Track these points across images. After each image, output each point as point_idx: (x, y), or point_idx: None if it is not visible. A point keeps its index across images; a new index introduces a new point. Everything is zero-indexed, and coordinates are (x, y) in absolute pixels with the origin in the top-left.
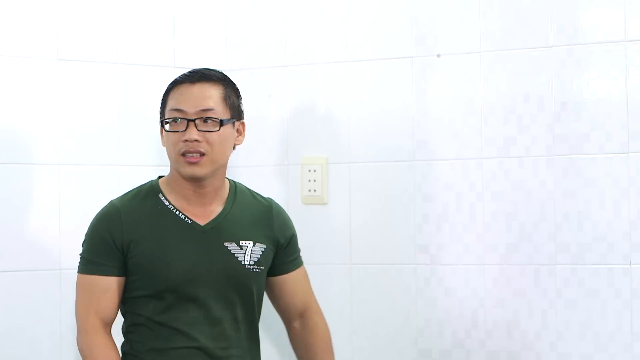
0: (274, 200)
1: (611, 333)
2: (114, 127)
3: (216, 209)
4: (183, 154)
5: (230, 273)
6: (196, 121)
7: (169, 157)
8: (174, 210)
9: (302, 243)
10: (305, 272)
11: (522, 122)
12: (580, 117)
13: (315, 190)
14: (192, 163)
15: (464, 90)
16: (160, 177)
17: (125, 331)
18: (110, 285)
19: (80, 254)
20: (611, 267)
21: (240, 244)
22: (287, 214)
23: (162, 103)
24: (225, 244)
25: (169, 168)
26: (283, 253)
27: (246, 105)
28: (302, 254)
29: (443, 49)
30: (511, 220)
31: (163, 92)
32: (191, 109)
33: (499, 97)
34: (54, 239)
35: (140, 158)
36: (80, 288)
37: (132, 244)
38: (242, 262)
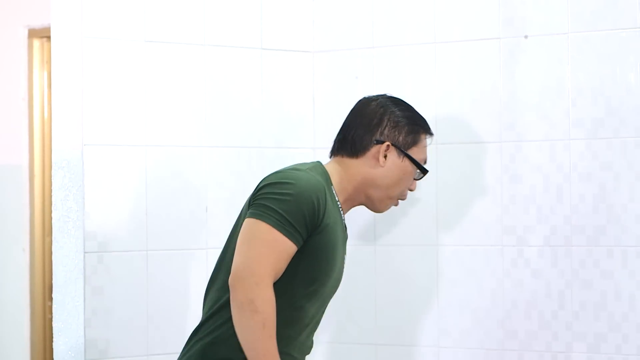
0: None
1: None
2: (202, 108)
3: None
4: (400, 197)
5: (340, 278)
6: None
7: (391, 186)
8: (340, 210)
9: (386, 223)
10: None
11: (611, 104)
12: None
13: None
14: (396, 205)
15: (551, 72)
16: (320, 164)
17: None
18: (291, 253)
19: (273, 205)
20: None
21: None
22: None
23: (414, 137)
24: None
25: (256, 149)
26: None
27: (333, 87)
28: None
29: (531, 30)
30: (599, 202)
31: (416, 123)
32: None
33: (587, 79)
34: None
35: (226, 139)
36: (268, 240)
37: (319, 228)
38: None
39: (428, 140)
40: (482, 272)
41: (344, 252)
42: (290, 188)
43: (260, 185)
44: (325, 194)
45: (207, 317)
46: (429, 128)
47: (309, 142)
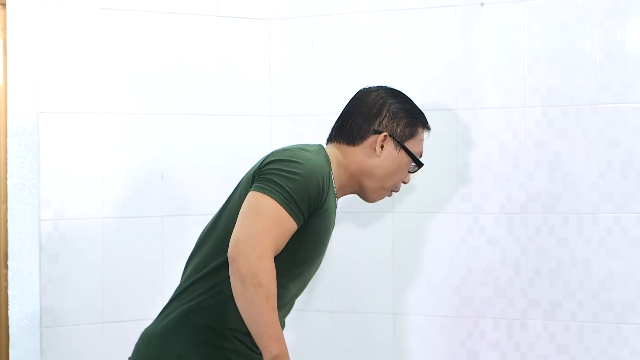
0: None
1: None
2: (158, 76)
3: None
4: (393, 189)
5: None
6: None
7: (386, 176)
8: (335, 196)
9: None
10: None
11: (566, 71)
12: (624, 67)
13: None
14: (388, 196)
15: (507, 39)
16: (322, 147)
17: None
18: (292, 232)
19: (281, 182)
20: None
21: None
22: None
23: (412, 130)
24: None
25: (213, 116)
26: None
27: (289, 54)
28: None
29: None
30: (554, 169)
31: (414, 117)
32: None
33: (543, 46)
34: None
35: (182, 107)
36: (272, 216)
37: (319, 211)
38: None
39: (425, 134)
40: (438, 239)
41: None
42: (299, 167)
43: (268, 160)
44: (330, 178)
45: (192, 282)
46: (427, 122)
47: (265, 110)
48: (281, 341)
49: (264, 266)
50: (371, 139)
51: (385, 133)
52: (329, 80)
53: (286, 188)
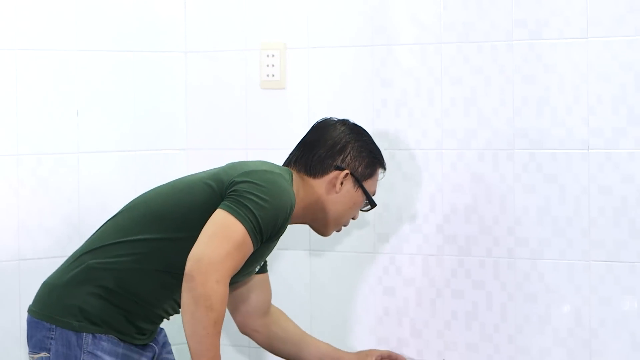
0: None
1: (569, 218)
2: (71, 10)
3: None
4: (345, 225)
5: None
6: None
7: (341, 213)
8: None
9: (260, 128)
10: None
11: (482, 7)
12: (540, 2)
13: (273, 75)
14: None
15: None
16: (288, 170)
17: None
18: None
19: (254, 209)
20: (568, 152)
21: None
22: None
23: (372, 170)
24: None
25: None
26: None
27: None
28: (260, 139)
29: None
30: (470, 105)
31: (376, 157)
32: None
33: None
34: None
35: (97, 43)
36: (238, 243)
37: (272, 238)
38: None
39: (381, 174)
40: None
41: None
42: (272, 196)
43: (242, 179)
44: (292, 210)
45: (111, 243)
46: (384, 163)
47: (181, 46)
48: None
49: (219, 290)
50: (332, 174)
51: (347, 171)
52: (244, 15)
53: (257, 216)
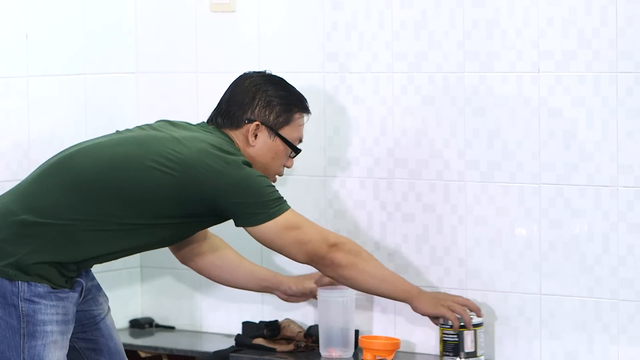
0: None
1: (520, 141)
2: None
3: None
4: (279, 174)
5: None
6: None
7: (266, 164)
8: None
9: (210, 51)
10: None
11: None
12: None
13: None
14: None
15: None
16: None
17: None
18: None
19: (269, 199)
20: (519, 74)
21: None
22: None
23: (286, 116)
24: None
25: None
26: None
27: None
28: (211, 62)
29: None
30: (420, 28)
31: (290, 103)
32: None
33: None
34: None
35: None
36: (298, 218)
37: None
38: None
39: (305, 118)
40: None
41: None
42: (260, 183)
43: (237, 200)
44: None
45: (49, 205)
46: (305, 106)
47: None
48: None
49: (339, 251)
50: (244, 128)
51: (257, 122)
52: None
53: (277, 196)
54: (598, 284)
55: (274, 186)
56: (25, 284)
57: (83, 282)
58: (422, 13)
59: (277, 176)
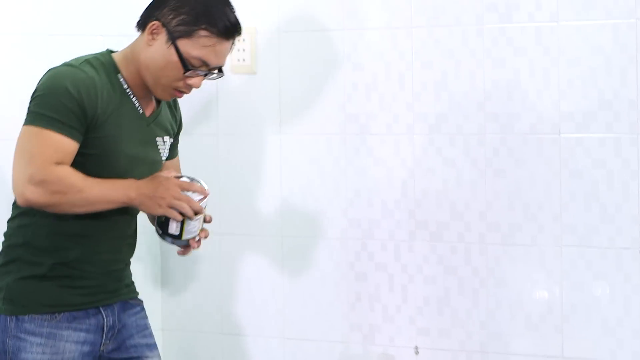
0: None
1: (540, 203)
2: None
3: (153, 101)
4: (176, 88)
5: (154, 169)
6: (207, 74)
7: (156, 72)
8: (132, 97)
9: (230, 113)
10: (179, 159)
11: None
12: None
13: (244, 60)
14: (177, 97)
15: None
16: (110, 51)
17: (22, 216)
18: (73, 150)
19: (36, 109)
20: (541, 137)
21: (164, 139)
22: None
23: (189, 28)
24: (157, 138)
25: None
26: (174, 141)
27: None
28: (231, 123)
29: None
30: (441, 89)
31: (199, 15)
32: (214, 64)
33: None
34: None
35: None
36: (40, 141)
37: (98, 121)
38: (162, 158)
39: (213, 40)
40: (324, 160)
41: (146, 137)
42: (54, 87)
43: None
44: (95, 86)
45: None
46: (220, 28)
47: None
48: (118, 188)
49: (46, 171)
50: (148, 26)
51: (156, 22)
52: None
53: (44, 113)
54: (620, 347)
55: (65, 104)
56: (14, 318)
57: (108, 319)
58: (442, 74)
59: (178, 93)
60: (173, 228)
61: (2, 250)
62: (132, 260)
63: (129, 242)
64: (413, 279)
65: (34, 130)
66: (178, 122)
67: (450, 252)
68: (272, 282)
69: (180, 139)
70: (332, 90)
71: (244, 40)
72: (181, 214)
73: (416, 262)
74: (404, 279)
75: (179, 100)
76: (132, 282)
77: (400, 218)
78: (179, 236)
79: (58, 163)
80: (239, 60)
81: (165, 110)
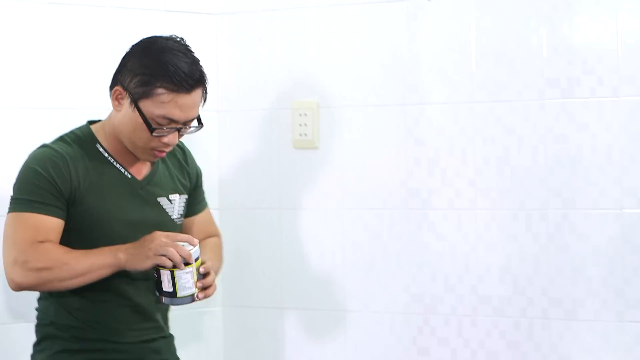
0: (181, 141)
1: (604, 278)
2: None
3: (148, 163)
4: (153, 148)
5: (163, 229)
6: (181, 129)
7: (129, 136)
8: (115, 163)
9: (293, 187)
10: (209, 211)
11: (514, 67)
12: (571, 61)
13: (306, 135)
14: (158, 156)
15: (455, 34)
16: (90, 122)
17: (44, 296)
18: (57, 227)
19: (13, 197)
20: (603, 212)
21: (170, 198)
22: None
23: (146, 89)
24: (159, 199)
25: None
26: (194, 195)
27: (236, 49)
28: (293, 198)
29: None
30: (503, 165)
31: (153, 75)
32: (182, 119)
33: (490, 41)
34: None
35: None
36: (19, 224)
37: (77, 193)
38: (172, 217)
39: (172, 96)
40: (386, 235)
41: (141, 200)
42: (25, 173)
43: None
44: (66, 162)
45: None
46: (177, 83)
47: (213, 105)
48: (105, 253)
49: (21, 269)
50: (112, 91)
51: (117, 87)
52: (276, 75)
53: (22, 197)
54: None
55: (37, 184)
56: None
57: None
58: (504, 149)
59: (158, 152)
60: (165, 284)
61: (35, 329)
62: None
63: (158, 307)
64: (476, 355)
65: (12, 216)
66: (193, 176)
67: (513, 327)
68: (335, 355)
69: (244, 213)
70: (394, 165)
71: (305, 114)
72: (173, 264)
73: (479, 337)
74: (467, 354)
75: (190, 153)
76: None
77: (463, 293)
78: (174, 293)
79: (40, 242)
80: (300, 135)
81: (165, 169)
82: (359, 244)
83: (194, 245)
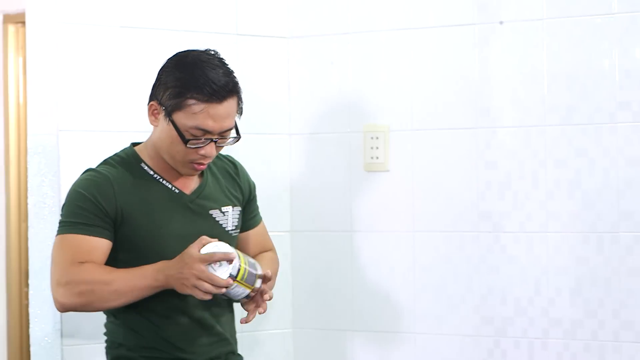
0: (231, 156)
1: None
2: None
3: (196, 177)
4: (192, 161)
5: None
6: (218, 141)
7: (168, 150)
8: (161, 180)
9: (364, 210)
10: (264, 225)
11: (585, 90)
12: None
13: (377, 158)
14: (199, 169)
15: (526, 58)
16: (133, 144)
17: (110, 318)
18: (101, 247)
19: (60, 220)
20: None
21: (223, 210)
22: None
23: (178, 101)
24: (211, 212)
25: None
26: (248, 209)
27: (308, 72)
28: (365, 220)
29: (505, 16)
30: (574, 188)
31: (184, 87)
32: (216, 130)
33: (561, 65)
34: None
35: None
36: (63, 246)
37: (124, 215)
38: (226, 229)
39: (202, 106)
40: (457, 258)
41: (192, 214)
42: (72, 197)
43: None
44: (110, 183)
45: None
46: (207, 94)
47: (285, 129)
48: (147, 274)
49: (65, 289)
50: (148, 107)
51: (153, 102)
52: (348, 99)
53: (68, 220)
54: None
55: (81, 206)
56: None
57: None
58: (575, 172)
59: (195, 165)
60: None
61: (106, 351)
62: None
63: (221, 315)
64: None
65: (58, 238)
66: (245, 189)
67: (584, 350)
68: None
69: (314, 235)
70: (465, 188)
71: (377, 138)
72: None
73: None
74: None
75: (242, 166)
76: None
77: (534, 315)
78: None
79: (81, 262)
80: (372, 157)
81: (215, 182)
82: (429, 267)
83: (230, 262)
